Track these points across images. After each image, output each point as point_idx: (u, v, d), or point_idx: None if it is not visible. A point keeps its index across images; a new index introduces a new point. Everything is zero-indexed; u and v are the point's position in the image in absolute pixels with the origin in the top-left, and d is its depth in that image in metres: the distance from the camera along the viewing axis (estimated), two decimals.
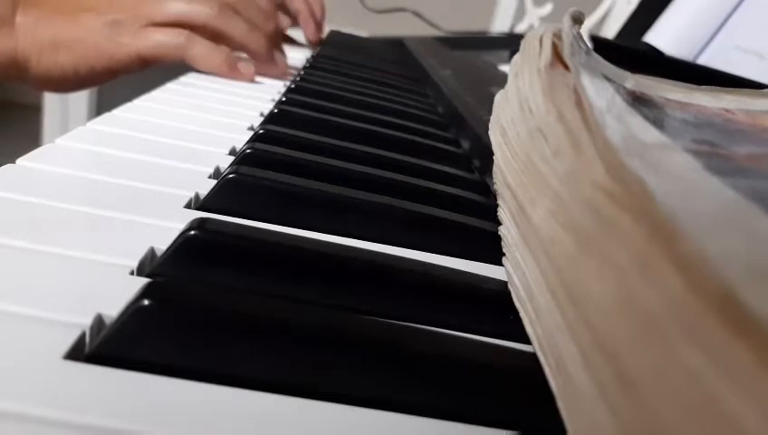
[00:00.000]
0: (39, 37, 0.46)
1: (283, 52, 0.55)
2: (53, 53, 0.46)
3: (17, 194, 0.20)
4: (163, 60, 0.47)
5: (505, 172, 0.22)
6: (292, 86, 0.46)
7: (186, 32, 0.46)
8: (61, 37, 0.46)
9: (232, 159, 0.28)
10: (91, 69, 0.47)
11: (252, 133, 0.31)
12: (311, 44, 0.74)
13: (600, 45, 0.46)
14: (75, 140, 0.27)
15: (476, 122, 0.36)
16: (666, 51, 0.57)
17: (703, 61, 0.57)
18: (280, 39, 0.54)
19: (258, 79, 0.51)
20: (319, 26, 0.73)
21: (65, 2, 0.47)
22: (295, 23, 0.72)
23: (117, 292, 0.16)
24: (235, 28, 0.49)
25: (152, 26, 0.46)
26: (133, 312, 0.14)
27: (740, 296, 0.09)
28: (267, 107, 0.41)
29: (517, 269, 0.19)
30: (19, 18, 0.46)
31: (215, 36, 0.48)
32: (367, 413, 0.13)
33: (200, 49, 0.46)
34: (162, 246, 0.19)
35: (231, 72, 0.48)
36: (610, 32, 0.75)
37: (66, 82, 0.48)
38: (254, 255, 0.18)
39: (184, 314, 0.14)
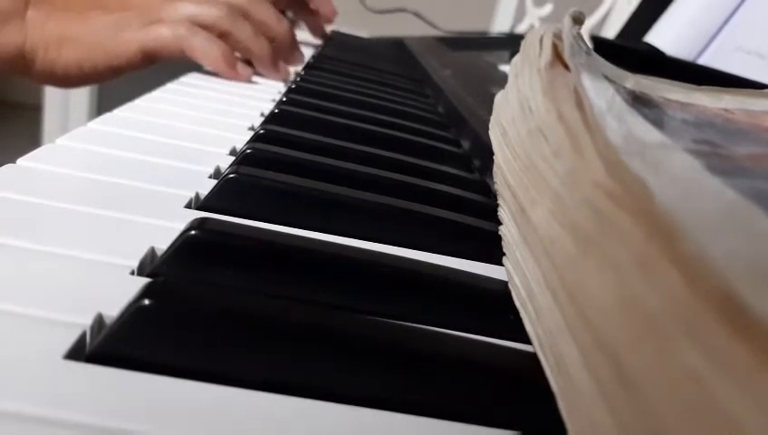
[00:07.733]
0: (47, 33, 0.46)
1: (298, 51, 0.56)
2: (58, 49, 0.46)
3: (17, 194, 0.20)
4: (164, 53, 0.46)
5: (506, 172, 0.22)
6: (293, 86, 0.46)
7: (187, 24, 0.46)
8: (67, 33, 0.46)
9: (232, 159, 0.28)
10: (95, 66, 0.47)
11: (252, 133, 0.31)
12: (319, 34, 0.78)
13: (601, 45, 0.46)
14: (75, 140, 0.27)
15: (476, 122, 0.36)
16: (666, 51, 0.57)
17: (704, 61, 0.57)
18: (294, 40, 0.55)
19: (258, 79, 0.51)
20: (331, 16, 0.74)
21: None
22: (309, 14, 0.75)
23: (117, 292, 0.16)
24: (242, 31, 0.49)
25: (157, 23, 0.46)
26: (134, 312, 0.14)
27: (740, 296, 0.09)
28: (268, 107, 0.41)
29: (517, 269, 0.19)
30: (30, 12, 0.46)
31: (221, 38, 0.47)
32: (367, 413, 0.13)
33: (200, 41, 0.46)
34: (163, 245, 0.19)
35: (228, 69, 0.47)
36: (611, 32, 0.75)
37: (69, 79, 0.48)
38: (254, 255, 0.18)
39: (184, 314, 0.14)
